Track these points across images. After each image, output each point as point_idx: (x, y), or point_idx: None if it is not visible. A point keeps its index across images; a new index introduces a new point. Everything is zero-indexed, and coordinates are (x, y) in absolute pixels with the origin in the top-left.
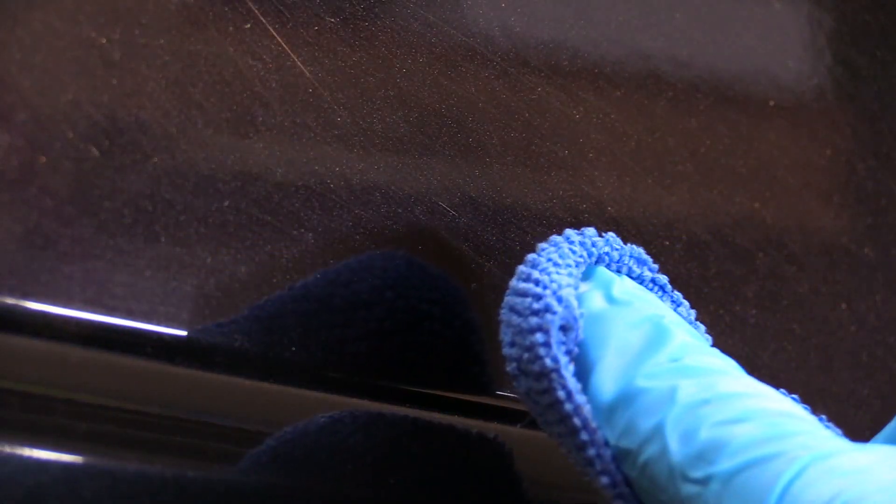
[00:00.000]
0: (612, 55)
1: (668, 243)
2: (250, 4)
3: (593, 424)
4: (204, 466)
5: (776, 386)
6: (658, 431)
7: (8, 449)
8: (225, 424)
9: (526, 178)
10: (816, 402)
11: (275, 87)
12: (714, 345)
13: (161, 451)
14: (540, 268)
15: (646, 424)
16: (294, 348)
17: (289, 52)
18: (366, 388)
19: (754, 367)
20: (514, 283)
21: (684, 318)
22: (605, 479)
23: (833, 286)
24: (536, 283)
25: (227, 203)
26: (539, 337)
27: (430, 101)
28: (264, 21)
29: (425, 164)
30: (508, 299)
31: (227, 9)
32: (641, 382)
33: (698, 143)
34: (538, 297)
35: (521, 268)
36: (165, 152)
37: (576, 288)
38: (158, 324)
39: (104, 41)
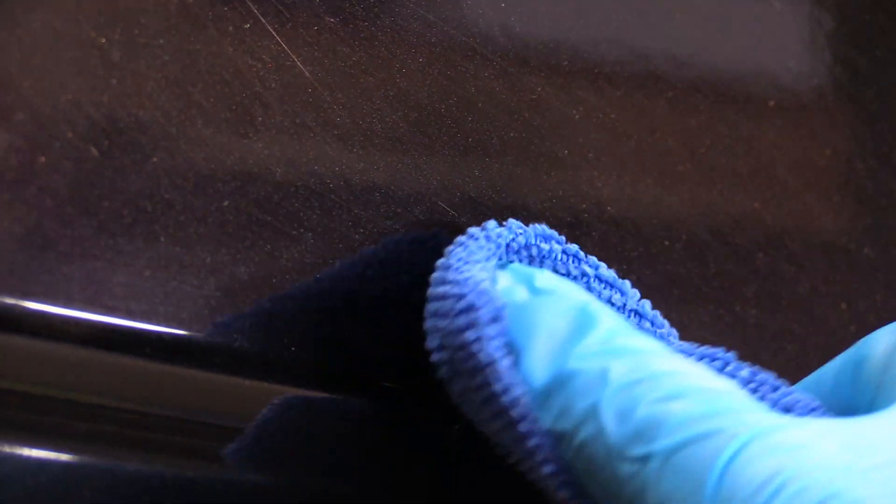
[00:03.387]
0: (612, 55)
1: (668, 243)
2: (250, 4)
3: (532, 415)
4: (204, 466)
5: None
6: (593, 412)
7: (8, 449)
8: (225, 424)
9: (526, 178)
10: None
11: (275, 87)
12: (714, 345)
13: (161, 451)
14: (453, 268)
15: (580, 406)
16: (294, 348)
17: (289, 52)
18: (368, 387)
19: None
20: (431, 290)
21: (606, 278)
22: (548, 468)
23: (833, 286)
24: (454, 283)
25: (227, 203)
26: (470, 335)
27: (430, 101)
28: (264, 21)
29: (425, 164)
30: (430, 306)
31: (227, 9)
32: (573, 364)
33: (698, 143)
34: (459, 297)
35: (435, 274)
36: (165, 152)
37: (493, 281)
38: (158, 324)
39: (104, 41)
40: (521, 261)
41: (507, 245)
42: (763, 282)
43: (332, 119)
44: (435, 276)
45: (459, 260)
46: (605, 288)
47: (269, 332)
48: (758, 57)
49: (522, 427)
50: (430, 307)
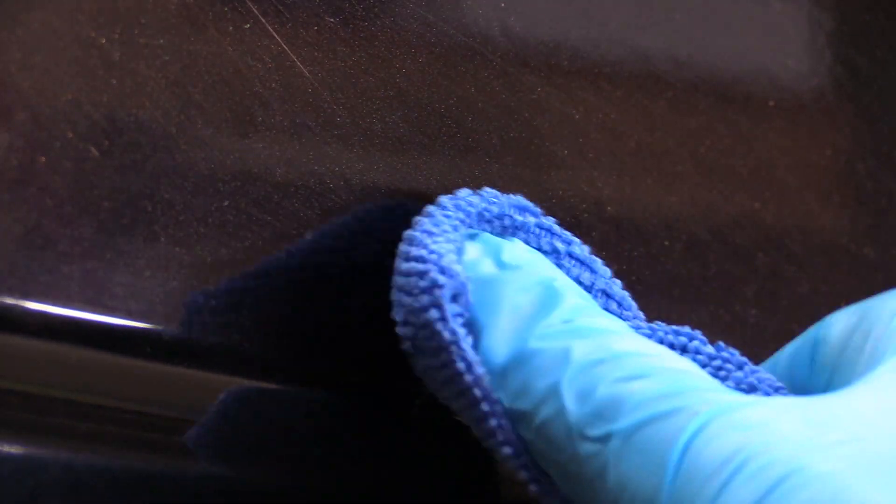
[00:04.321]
0: (612, 55)
1: (668, 243)
2: (250, 4)
3: (493, 396)
4: (204, 466)
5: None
6: (553, 392)
7: (8, 449)
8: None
9: (526, 178)
10: None
11: (275, 87)
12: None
13: (161, 451)
14: (416, 242)
15: (540, 385)
16: (295, 348)
17: (289, 52)
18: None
19: None
20: (396, 263)
21: (577, 256)
22: (507, 450)
23: (833, 286)
24: (417, 259)
25: (226, 203)
26: (433, 313)
27: (430, 101)
28: (264, 21)
29: (425, 164)
30: (395, 279)
31: (227, 9)
32: (534, 344)
33: (698, 143)
34: (422, 274)
35: (401, 246)
36: (165, 152)
37: (459, 252)
38: (158, 324)
39: (104, 41)
40: (493, 231)
41: (480, 213)
42: (763, 282)
43: (332, 119)
44: (400, 248)
45: (424, 232)
46: (575, 265)
47: (270, 331)
48: (758, 57)
49: (483, 407)
50: (396, 280)
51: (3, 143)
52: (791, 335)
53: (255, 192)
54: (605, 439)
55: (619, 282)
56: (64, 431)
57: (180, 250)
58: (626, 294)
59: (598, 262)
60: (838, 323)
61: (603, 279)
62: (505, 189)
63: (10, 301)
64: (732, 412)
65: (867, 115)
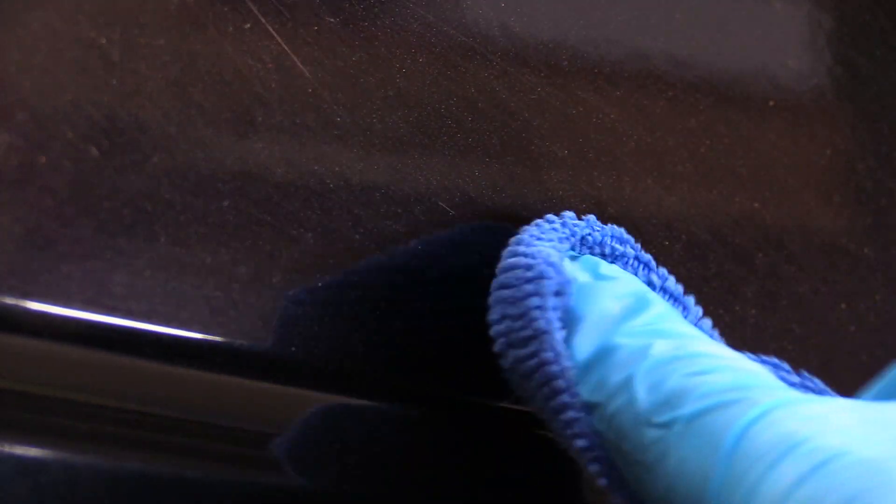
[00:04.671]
0: (612, 55)
1: (667, 243)
2: (250, 4)
3: (575, 388)
4: (204, 466)
5: None
6: (628, 383)
7: (8, 449)
8: (225, 424)
9: (526, 178)
10: None
11: (275, 87)
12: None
13: (161, 451)
14: (525, 243)
15: (617, 377)
16: (294, 348)
17: (289, 52)
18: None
19: None
20: (501, 263)
21: (672, 291)
22: (581, 442)
23: (833, 286)
24: (525, 255)
25: (226, 203)
26: (534, 301)
27: (430, 101)
28: (264, 21)
29: (425, 164)
30: (498, 279)
31: (227, 9)
32: (617, 340)
33: (698, 143)
34: (529, 267)
35: (506, 249)
36: (165, 152)
37: (562, 259)
38: (158, 324)
39: (104, 41)
40: (593, 255)
41: (583, 237)
42: (763, 282)
43: (332, 119)
44: (506, 250)
45: (532, 236)
46: (668, 300)
47: (272, 331)
48: (758, 57)
49: (563, 398)
50: (497, 280)
51: (3, 143)
52: (791, 335)
53: (255, 192)
54: (668, 425)
55: (709, 321)
56: (64, 431)
57: (180, 250)
58: (715, 332)
59: (691, 301)
60: None
61: (694, 317)
62: (505, 189)
63: (10, 301)
64: (791, 405)
65: (867, 115)
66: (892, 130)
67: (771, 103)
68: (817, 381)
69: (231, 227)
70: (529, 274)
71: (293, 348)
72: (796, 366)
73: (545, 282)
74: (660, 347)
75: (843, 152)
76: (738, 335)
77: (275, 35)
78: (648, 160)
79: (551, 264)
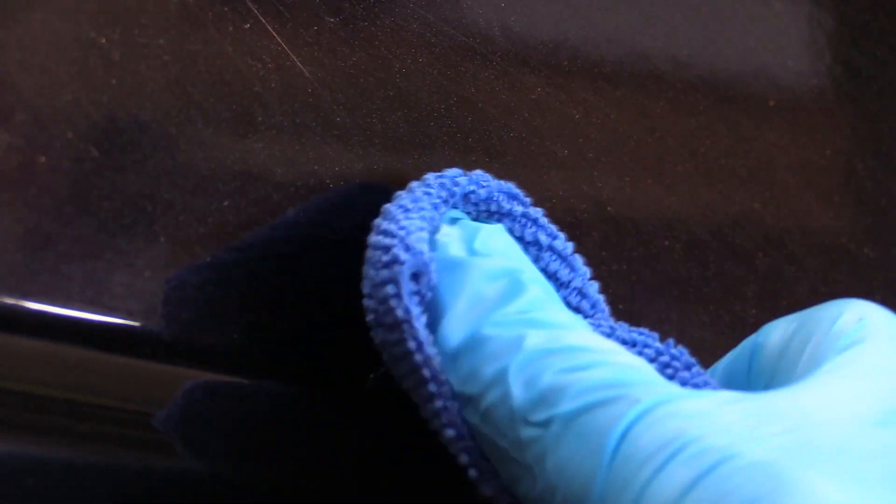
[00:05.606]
0: (612, 55)
1: (667, 243)
2: (250, 4)
3: (442, 377)
4: (204, 466)
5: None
6: (501, 377)
7: (8, 449)
8: (225, 425)
9: (526, 178)
10: None
11: (275, 87)
12: (714, 345)
13: (161, 451)
14: (389, 217)
15: (490, 370)
16: (293, 348)
17: (289, 52)
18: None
19: None
20: (370, 236)
21: (559, 250)
22: (450, 432)
23: (833, 286)
24: (385, 233)
25: (226, 203)
26: (390, 289)
27: (430, 101)
28: (264, 21)
29: (425, 164)
30: (367, 253)
31: (227, 9)
32: (488, 330)
33: (698, 143)
34: (387, 249)
35: (376, 220)
36: (165, 152)
37: (432, 231)
38: (158, 324)
39: (104, 41)
40: (478, 214)
41: (466, 195)
42: (763, 282)
43: (332, 119)
44: (375, 221)
45: (400, 207)
46: (555, 260)
47: (271, 331)
48: (758, 57)
49: (430, 388)
50: (366, 254)
51: (3, 143)
52: None
53: (255, 192)
54: (546, 424)
55: (595, 284)
56: (64, 431)
57: (180, 250)
58: (600, 298)
59: (578, 260)
60: (776, 330)
61: (581, 278)
62: None
63: (10, 301)
64: (672, 402)
65: (867, 115)
66: (892, 130)
67: (771, 103)
68: (683, 350)
69: (231, 227)
70: (385, 258)
71: (292, 348)
72: None
73: (398, 267)
74: (533, 339)
75: (843, 152)
76: (738, 335)
77: (275, 35)
78: (648, 160)
79: (408, 247)
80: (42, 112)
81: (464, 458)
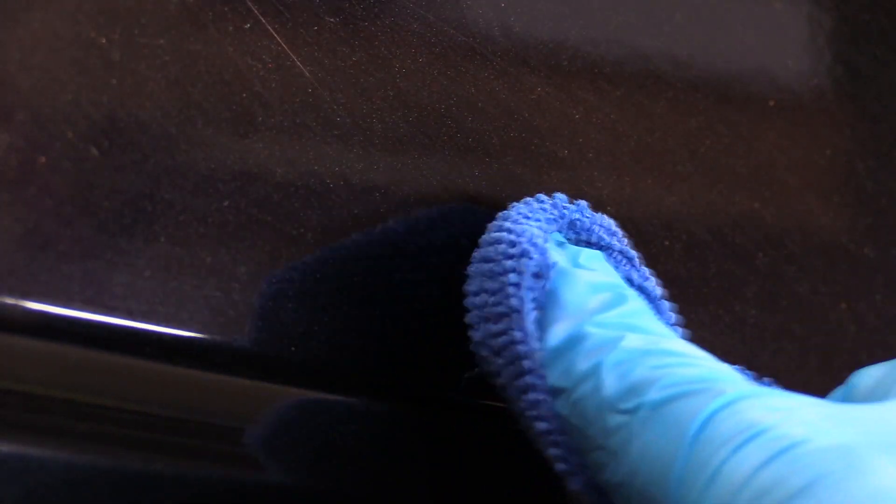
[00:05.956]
0: (612, 55)
1: (668, 243)
2: (250, 4)
3: (541, 371)
4: (204, 466)
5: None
6: (595, 371)
7: (8, 449)
8: (224, 424)
9: (526, 178)
10: None
11: (275, 87)
12: (714, 345)
13: (161, 451)
14: (511, 220)
15: (585, 364)
16: (293, 347)
17: (289, 52)
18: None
19: (754, 367)
20: (485, 236)
21: (650, 292)
22: (542, 425)
23: (833, 286)
24: (510, 231)
25: (227, 203)
26: (512, 277)
27: (430, 101)
28: (264, 21)
29: (425, 164)
30: (480, 252)
31: (227, 9)
32: (589, 328)
33: (698, 143)
34: (513, 244)
35: (493, 223)
36: (165, 152)
37: (546, 242)
38: (158, 324)
39: (104, 41)
40: (577, 243)
41: (571, 222)
42: (763, 282)
43: (332, 119)
44: (492, 223)
45: (520, 213)
46: (644, 300)
47: (271, 330)
48: (758, 57)
49: (528, 379)
50: (479, 252)
51: (3, 143)
52: (791, 335)
53: (255, 192)
54: (634, 411)
55: (681, 331)
56: (64, 431)
57: (180, 250)
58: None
59: (666, 305)
60: (867, 372)
61: (667, 321)
62: (504, 188)
63: (10, 301)
64: (757, 396)
65: (867, 115)
66: (892, 130)
67: (771, 103)
68: (770, 381)
69: (231, 227)
70: (512, 251)
71: (293, 348)
72: (796, 366)
73: (526, 261)
74: (631, 340)
75: (843, 152)
76: (738, 335)
77: (275, 35)
78: (648, 160)
79: (534, 244)
80: (42, 112)
81: (553, 451)
